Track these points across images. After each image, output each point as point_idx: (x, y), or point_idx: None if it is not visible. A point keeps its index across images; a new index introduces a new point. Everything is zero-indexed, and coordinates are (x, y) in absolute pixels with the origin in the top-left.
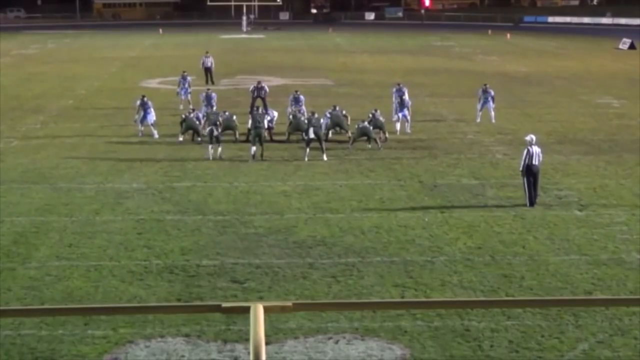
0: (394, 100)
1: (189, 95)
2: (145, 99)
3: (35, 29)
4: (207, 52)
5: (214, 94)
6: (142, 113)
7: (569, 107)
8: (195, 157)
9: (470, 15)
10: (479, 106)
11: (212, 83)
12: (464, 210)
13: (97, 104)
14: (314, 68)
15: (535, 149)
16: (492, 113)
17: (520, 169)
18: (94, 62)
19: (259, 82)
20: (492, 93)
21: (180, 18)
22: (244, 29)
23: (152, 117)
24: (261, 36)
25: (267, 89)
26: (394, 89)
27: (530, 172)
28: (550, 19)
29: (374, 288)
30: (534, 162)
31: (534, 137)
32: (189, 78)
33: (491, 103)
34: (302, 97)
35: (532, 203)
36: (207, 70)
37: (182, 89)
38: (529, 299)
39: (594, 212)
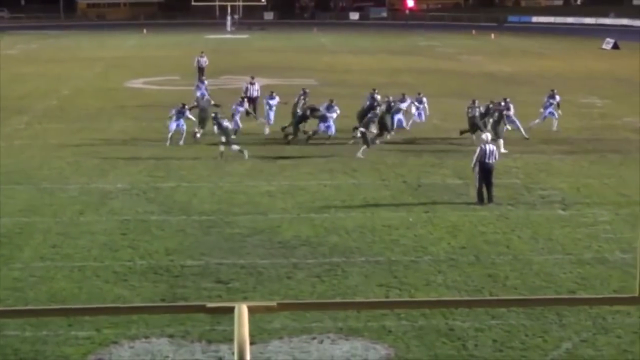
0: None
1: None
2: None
3: (19, 29)
4: (202, 52)
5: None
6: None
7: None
8: (179, 157)
9: (454, 16)
10: (545, 112)
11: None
12: (448, 210)
13: (81, 104)
14: (298, 68)
15: (490, 147)
16: (555, 121)
17: (472, 165)
18: (78, 62)
19: (252, 79)
20: (559, 99)
21: (165, 18)
22: (229, 28)
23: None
24: (245, 36)
25: (258, 90)
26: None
27: (483, 170)
28: (534, 19)
29: (358, 288)
30: (487, 160)
31: (489, 135)
32: (205, 82)
33: (553, 109)
34: (276, 97)
35: (481, 200)
36: (201, 70)
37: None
38: (513, 298)
39: (577, 212)
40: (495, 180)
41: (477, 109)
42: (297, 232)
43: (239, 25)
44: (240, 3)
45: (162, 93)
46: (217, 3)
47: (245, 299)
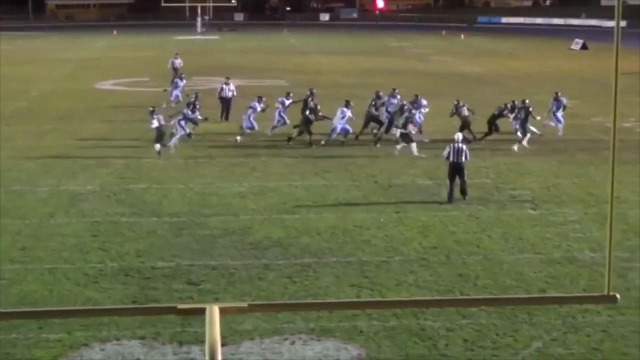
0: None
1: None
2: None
3: None
4: (176, 54)
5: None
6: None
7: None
8: (150, 158)
9: (424, 16)
10: (549, 116)
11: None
12: (419, 211)
13: (51, 106)
14: (269, 69)
15: (457, 146)
16: (560, 124)
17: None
18: (47, 63)
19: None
20: (564, 101)
21: (135, 19)
22: (199, 30)
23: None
24: (216, 37)
25: (233, 90)
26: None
27: (452, 169)
28: (504, 20)
29: (330, 288)
30: (453, 159)
31: (460, 135)
32: (184, 81)
33: (559, 112)
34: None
35: (449, 199)
36: (176, 70)
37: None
38: (483, 297)
39: (547, 211)
40: (467, 179)
41: (465, 108)
42: (268, 233)
43: (209, 27)
44: (211, 4)
45: (132, 94)
46: (187, 4)
47: (216, 300)
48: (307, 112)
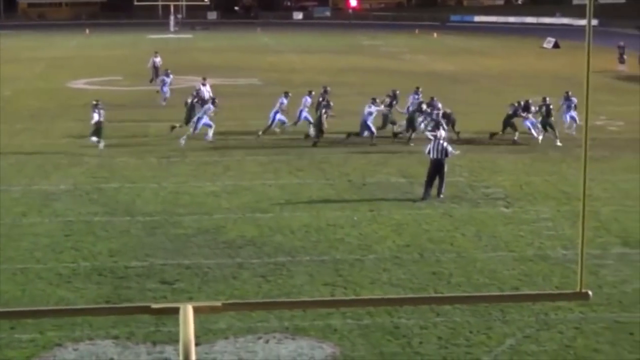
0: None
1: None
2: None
3: None
4: (156, 52)
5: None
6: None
7: (496, 105)
8: (123, 157)
9: (397, 15)
10: (566, 116)
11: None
12: (392, 209)
13: (23, 105)
14: (242, 68)
15: (436, 144)
16: (575, 124)
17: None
18: (19, 62)
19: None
20: (575, 101)
21: (107, 18)
22: (172, 28)
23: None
24: (189, 36)
25: (210, 91)
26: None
27: (434, 166)
28: (477, 18)
29: (304, 287)
30: (437, 157)
31: (443, 133)
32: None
33: (573, 112)
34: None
35: (424, 197)
36: (157, 69)
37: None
38: (457, 295)
39: (520, 209)
40: (446, 178)
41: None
42: (242, 232)
43: (182, 25)
44: (184, 3)
45: (104, 93)
46: (159, 3)
47: (190, 299)
48: (323, 111)
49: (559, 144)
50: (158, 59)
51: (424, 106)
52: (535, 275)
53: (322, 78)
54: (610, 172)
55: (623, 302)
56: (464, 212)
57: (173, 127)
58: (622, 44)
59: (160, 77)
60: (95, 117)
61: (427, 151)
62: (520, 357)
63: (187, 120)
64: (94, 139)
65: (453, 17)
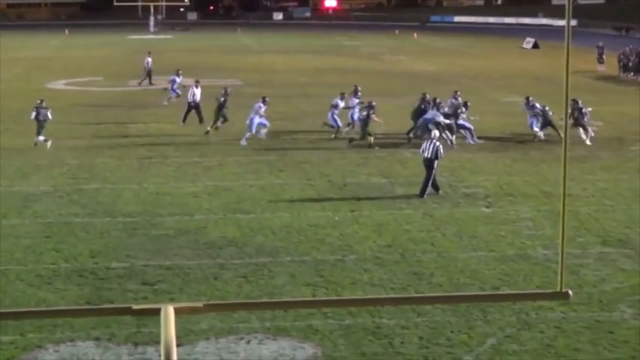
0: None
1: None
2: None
3: None
4: (149, 52)
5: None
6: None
7: (476, 106)
8: (103, 158)
9: (377, 15)
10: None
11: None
12: (373, 209)
13: (2, 106)
14: (222, 68)
15: (428, 144)
16: (587, 132)
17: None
18: None
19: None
20: (586, 109)
21: (87, 18)
22: (152, 29)
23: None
24: (169, 36)
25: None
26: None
27: (425, 165)
28: (457, 19)
29: (285, 288)
30: (428, 156)
31: (437, 132)
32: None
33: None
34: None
35: (435, 189)
36: (149, 70)
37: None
38: (438, 295)
39: (500, 209)
40: (433, 179)
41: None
42: (223, 233)
43: (162, 26)
44: (164, 3)
45: (84, 94)
46: (139, 3)
47: (171, 300)
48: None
49: (588, 141)
50: (150, 59)
51: (464, 108)
52: (516, 275)
53: (303, 78)
54: (590, 172)
55: (603, 301)
56: (445, 212)
57: (207, 132)
58: (601, 44)
59: (171, 77)
60: (33, 115)
61: (421, 149)
62: (501, 357)
63: (216, 120)
64: (41, 138)
65: (433, 18)
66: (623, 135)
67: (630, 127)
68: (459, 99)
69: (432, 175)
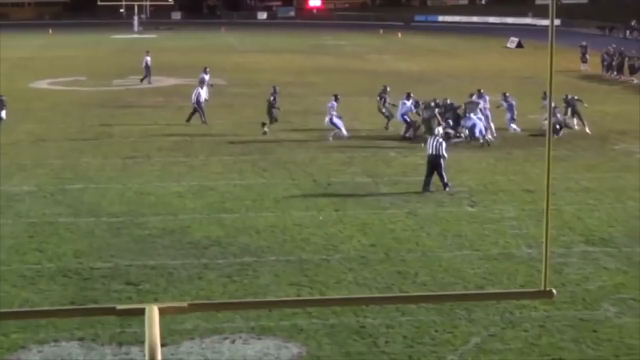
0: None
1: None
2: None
3: None
4: (147, 51)
5: None
6: None
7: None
8: (87, 158)
9: (361, 15)
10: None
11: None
12: (358, 208)
13: None
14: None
15: (438, 140)
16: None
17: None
18: None
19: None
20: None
21: (70, 18)
22: (136, 28)
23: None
24: (153, 36)
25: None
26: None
27: (430, 162)
28: (441, 18)
29: (270, 287)
30: (433, 153)
31: (440, 129)
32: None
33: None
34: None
35: (424, 189)
36: (149, 68)
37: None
38: (422, 294)
39: (485, 208)
40: (444, 173)
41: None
42: (207, 233)
43: (146, 25)
44: (147, 3)
45: (68, 94)
46: (123, 2)
47: (155, 300)
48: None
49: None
50: (149, 58)
51: (482, 104)
52: (500, 274)
53: (287, 78)
54: (573, 171)
55: (586, 299)
56: (429, 212)
57: (265, 133)
58: (584, 43)
59: (200, 76)
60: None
61: (426, 147)
62: (485, 356)
63: (271, 120)
64: None
65: (417, 17)
66: (606, 134)
67: (613, 126)
68: (487, 98)
69: (442, 170)
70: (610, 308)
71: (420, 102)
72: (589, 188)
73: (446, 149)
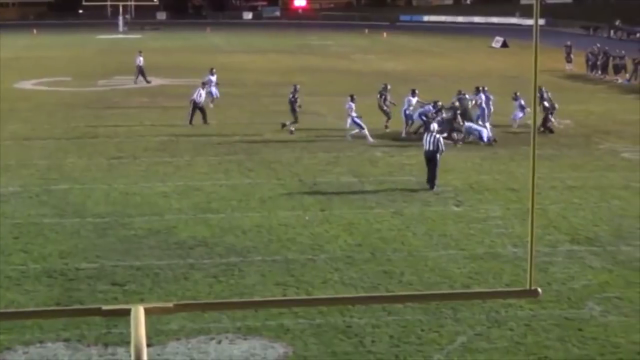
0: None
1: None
2: None
3: None
4: (140, 51)
5: None
6: None
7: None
8: (72, 159)
9: (347, 15)
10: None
11: (145, 79)
12: (343, 208)
13: None
14: (192, 68)
15: (434, 136)
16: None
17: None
18: None
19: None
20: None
21: (55, 18)
22: (121, 29)
23: None
24: (138, 36)
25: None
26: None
27: (427, 158)
28: (426, 18)
29: (256, 287)
30: (429, 148)
31: (436, 126)
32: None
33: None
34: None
35: (430, 186)
36: (141, 69)
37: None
38: (408, 294)
39: (470, 207)
40: (438, 170)
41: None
42: (193, 233)
43: (131, 26)
44: (132, 3)
45: (53, 94)
46: (108, 3)
47: (141, 300)
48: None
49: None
50: (141, 58)
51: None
52: (486, 273)
53: (273, 78)
54: (558, 170)
55: (572, 298)
56: (415, 211)
57: (292, 132)
58: (569, 43)
59: (207, 78)
60: None
61: (423, 143)
62: (471, 355)
63: (295, 119)
64: None
65: (402, 17)
66: (590, 133)
67: (597, 125)
68: (487, 94)
69: (437, 167)
70: (596, 307)
71: (439, 103)
72: (574, 187)
73: (444, 144)
